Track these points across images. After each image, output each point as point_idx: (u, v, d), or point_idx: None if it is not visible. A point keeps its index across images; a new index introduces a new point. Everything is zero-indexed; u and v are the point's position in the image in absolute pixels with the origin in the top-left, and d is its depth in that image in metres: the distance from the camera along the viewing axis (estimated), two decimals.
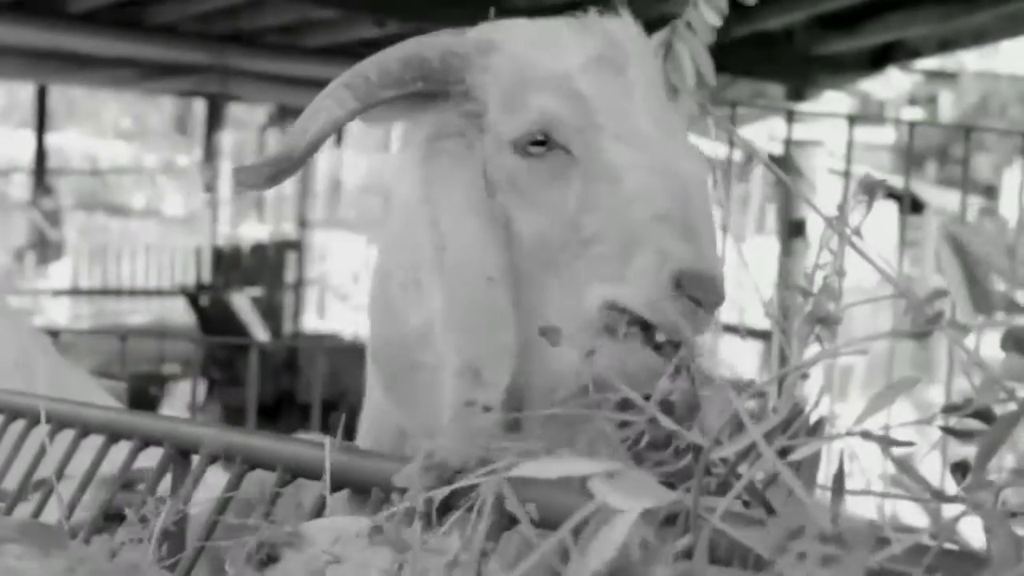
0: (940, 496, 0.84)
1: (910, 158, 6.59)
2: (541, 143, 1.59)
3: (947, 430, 0.91)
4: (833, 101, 10.72)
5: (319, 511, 1.41)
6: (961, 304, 0.82)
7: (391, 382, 1.62)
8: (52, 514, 1.74)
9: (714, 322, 1.48)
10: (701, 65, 1.00)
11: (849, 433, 0.91)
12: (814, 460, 0.93)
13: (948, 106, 23.05)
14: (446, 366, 1.54)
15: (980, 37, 8.74)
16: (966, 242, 0.83)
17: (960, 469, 0.88)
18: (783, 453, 0.89)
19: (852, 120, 6.00)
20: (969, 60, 19.92)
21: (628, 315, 1.48)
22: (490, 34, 1.65)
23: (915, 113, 19.94)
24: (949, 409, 0.89)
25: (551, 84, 1.60)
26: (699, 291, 1.46)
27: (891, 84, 10.01)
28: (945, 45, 8.97)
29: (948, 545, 0.84)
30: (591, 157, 1.57)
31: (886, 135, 19.67)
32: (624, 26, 1.66)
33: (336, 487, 1.41)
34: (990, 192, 19.73)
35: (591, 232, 1.54)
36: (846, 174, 5.86)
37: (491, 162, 1.61)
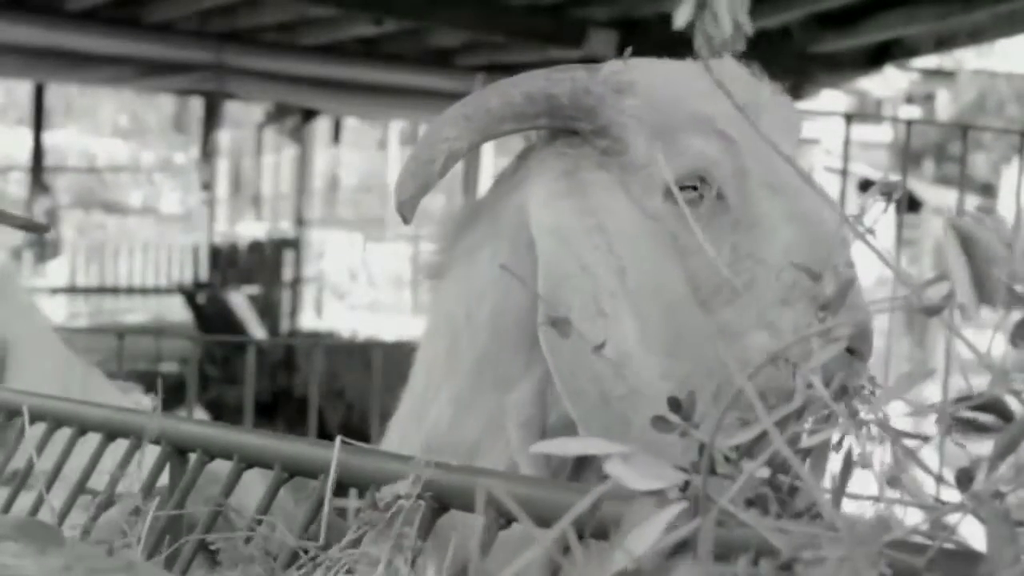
0: (944, 505, 0.84)
1: (907, 156, 6.59)
2: (691, 187, 1.58)
3: (961, 421, 0.91)
4: (830, 99, 10.72)
5: (316, 510, 1.41)
6: (965, 296, 0.82)
7: (585, 416, 1.53)
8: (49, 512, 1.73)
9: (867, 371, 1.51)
10: (739, 16, 1.01)
11: (862, 422, 0.91)
12: (824, 449, 0.93)
13: (945, 104, 23.04)
14: (648, 391, 1.49)
15: (977, 35, 8.75)
16: (971, 234, 0.83)
17: (964, 477, 0.87)
18: (794, 442, 0.89)
19: (849, 118, 5.99)
20: (966, 58, 19.93)
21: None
22: (624, 75, 1.63)
23: (912, 111, 19.93)
24: (961, 400, 0.89)
25: (701, 127, 1.59)
26: (856, 342, 1.48)
27: (888, 82, 10.01)
28: (942, 43, 8.96)
29: (947, 544, 0.84)
30: (743, 204, 1.58)
31: (883, 133, 19.68)
32: (741, 69, 1.65)
33: (338, 486, 1.41)
34: (988, 190, 19.74)
35: (745, 280, 1.55)
36: (843, 172, 5.86)
37: (639, 203, 1.60)
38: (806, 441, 0.90)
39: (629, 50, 1.58)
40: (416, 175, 1.60)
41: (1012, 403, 0.87)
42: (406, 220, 1.61)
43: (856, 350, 1.50)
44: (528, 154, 1.72)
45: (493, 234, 1.70)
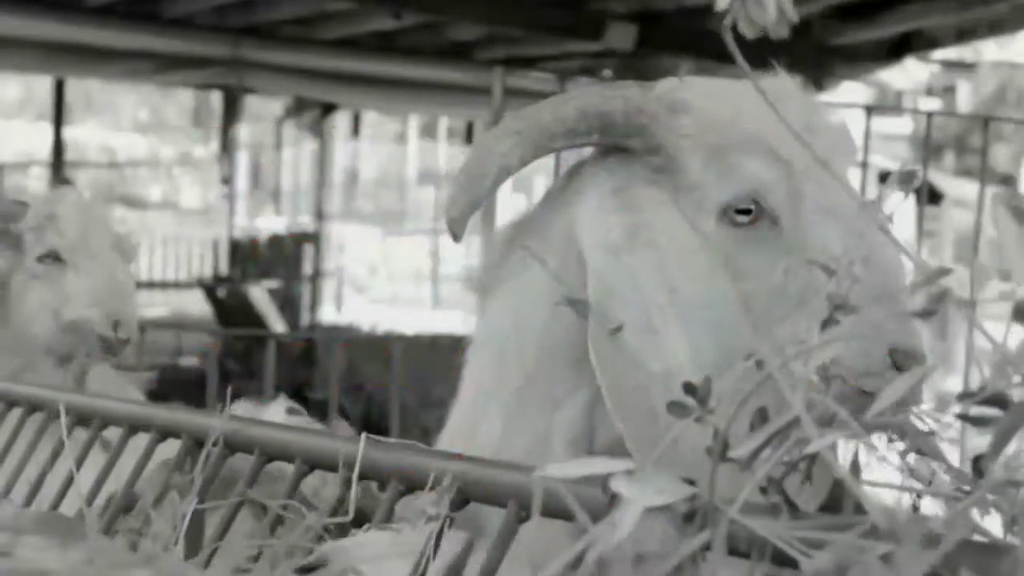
0: (962, 493, 0.83)
1: (928, 148, 6.53)
2: (745, 210, 1.58)
3: (963, 417, 0.90)
4: (851, 91, 10.67)
5: (341, 501, 1.42)
6: (1018, 269, 0.81)
7: (633, 431, 1.52)
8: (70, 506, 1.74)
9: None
10: (782, 1, 1.00)
11: (876, 420, 0.90)
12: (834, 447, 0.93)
13: (966, 96, 22.96)
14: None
15: (997, 27, 8.72)
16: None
17: (981, 462, 0.87)
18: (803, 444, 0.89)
19: (870, 110, 5.95)
20: (986, 50, 19.85)
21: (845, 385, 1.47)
22: (678, 93, 1.63)
23: (933, 103, 19.85)
24: (965, 396, 0.88)
25: (756, 149, 1.59)
26: (910, 364, 1.48)
27: (909, 74, 9.98)
28: (962, 35, 8.93)
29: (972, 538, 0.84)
30: (797, 227, 1.57)
31: (904, 125, 19.61)
32: (797, 88, 1.64)
33: (358, 479, 1.42)
34: (1008, 182, 19.66)
35: (798, 303, 1.53)
36: (863, 164, 5.83)
37: (691, 222, 1.58)
38: (817, 442, 0.89)
39: (684, 68, 1.57)
40: (467, 190, 1.59)
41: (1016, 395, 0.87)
42: (456, 237, 1.59)
43: (904, 368, 1.49)
44: (578, 170, 1.71)
45: (542, 250, 1.67)
